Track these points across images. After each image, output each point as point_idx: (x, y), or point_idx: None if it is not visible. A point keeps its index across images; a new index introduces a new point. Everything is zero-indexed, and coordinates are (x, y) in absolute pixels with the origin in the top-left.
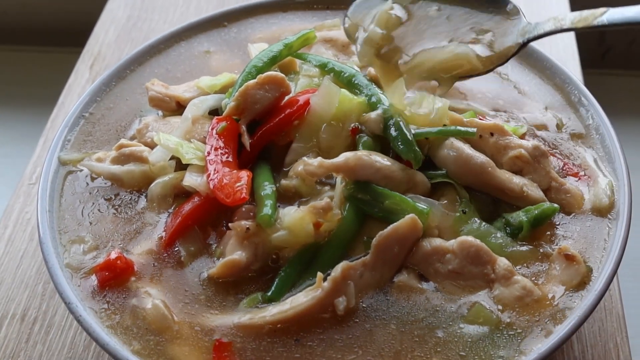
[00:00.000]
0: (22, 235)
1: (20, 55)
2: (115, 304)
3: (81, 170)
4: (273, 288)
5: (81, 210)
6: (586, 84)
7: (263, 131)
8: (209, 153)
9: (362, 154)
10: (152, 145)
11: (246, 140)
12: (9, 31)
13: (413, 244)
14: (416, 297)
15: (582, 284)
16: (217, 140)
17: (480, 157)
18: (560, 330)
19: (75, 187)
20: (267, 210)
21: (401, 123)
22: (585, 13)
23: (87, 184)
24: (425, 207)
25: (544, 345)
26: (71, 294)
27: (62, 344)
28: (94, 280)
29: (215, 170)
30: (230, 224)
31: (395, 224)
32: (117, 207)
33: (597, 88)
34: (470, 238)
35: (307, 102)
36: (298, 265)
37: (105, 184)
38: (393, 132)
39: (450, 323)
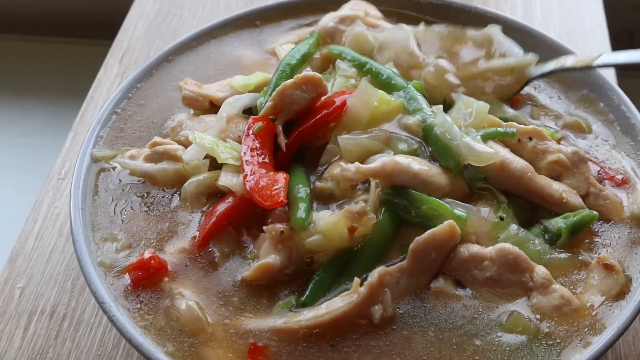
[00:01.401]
0: (52, 231)
1: (47, 46)
2: (148, 304)
3: (114, 168)
4: (307, 292)
5: (113, 208)
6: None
7: (299, 132)
8: (245, 153)
9: (399, 158)
10: (185, 144)
11: (282, 141)
12: (35, 22)
13: (450, 250)
14: (453, 304)
15: (621, 294)
16: (254, 140)
17: (520, 162)
18: (598, 342)
19: (108, 184)
20: (300, 213)
21: (441, 131)
22: (584, 56)
23: (120, 181)
24: (463, 213)
25: (582, 356)
26: (104, 293)
27: (91, 341)
28: (127, 279)
29: (252, 171)
30: (264, 227)
31: (433, 229)
32: (149, 205)
33: (628, 91)
34: (508, 245)
35: (343, 104)
36: (332, 270)
37: (138, 181)
38: (433, 137)
39: (489, 331)
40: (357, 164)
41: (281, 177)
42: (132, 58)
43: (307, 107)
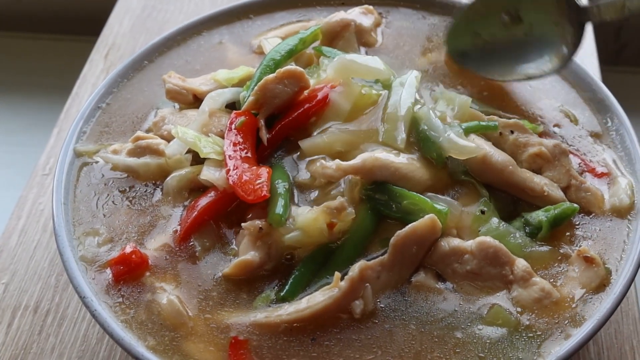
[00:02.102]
0: (36, 227)
1: (33, 43)
2: (129, 299)
3: (96, 162)
4: (287, 287)
5: (96, 202)
6: (603, 82)
7: (281, 126)
8: (227, 148)
9: (380, 154)
10: (168, 138)
11: (264, 135)
12: (23, 19)
13: (431, 244)
14: (434, 297)
15: (601, 286)
16: (236, 135)
17: (501, 155)
18: (578, 334)
19: (91, 179)
20: (278, 209)
21: (424, 123)
22: None
23: (103, 175)
24: (444, 207)
25: (562, 348)
26: (86, 287)
27: (74, 336)
28: (108, 274)
29: (234, 166)
30: (242, 224)
31: (414, 223)
32: (132, 199)
33: (613, 85)
34: (488, 239)
35: (325, 97)
36: (312, 265)
37: (121, 176)
38: (415, 128)
39: (469, 324)
40: (337, 161)
41: (264, 171)
42: (118, 54)
43: (289, 102)
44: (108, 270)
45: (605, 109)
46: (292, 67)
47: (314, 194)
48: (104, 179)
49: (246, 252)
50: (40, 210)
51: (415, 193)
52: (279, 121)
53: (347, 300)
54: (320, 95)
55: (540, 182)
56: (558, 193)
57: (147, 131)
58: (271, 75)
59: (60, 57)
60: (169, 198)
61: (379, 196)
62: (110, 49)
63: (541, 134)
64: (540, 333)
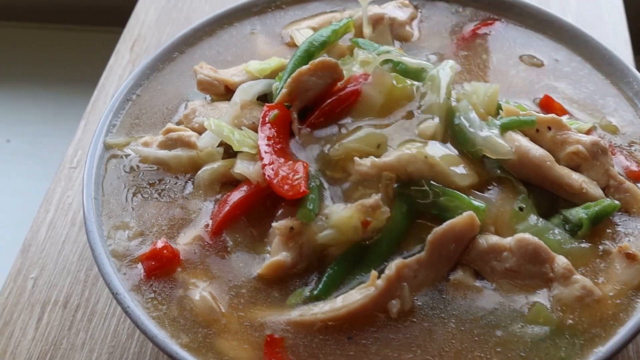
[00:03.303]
0: (64, 220)
1: (58, 34)
2: (161, 294)
3: (127, 155)
4: (321, 286)
5: (125, 195)
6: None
7: (313, 118)
8: (262, 142)
9: (415, 150)
10: (199, 130)
11: (296, 128)
12: (48, 10)
13: (469, 242)
14: (473, 295)
15: None
16: (270, 129)
17: (539, 150)
18: (621, 333)
19: (120, 171)
20: (308, 204)
21: (461, 117)
22: None
23: (132, 168)
24: (481, 204)
25: (604, 348)
26: (118, 284)
27: (105, 332)
28: (139, 269)
29: (270, 160)
30: (273, 224)
31: (452, 220)
32: (162, 192)
33: None
34: (528, 235)
35: (357, 90)
36: (346, 263)
37: (151, 168)
38: (452, 122)
39: (510, 322)
40: (372, 158)
41: (300, 166)
42: (144, 45)
43: (322, 94)
44: (139, 266)
45: None
46: (325, 58)
47: (345, 185)
48: (133, 172)
49: (278, 253)
50: (69, 204)
51: (452, 190)
52: (312, 113)
53: (384, 300)
54: (351, 87)
55: (579, 178)
56: (597, 191)
57: (178, 123)
58: (304, 67)
59: (86, 48)
60: (200, 192)
61: (415, 193)
62: (136, 40)
63: (590, 131)
64: (582, 332)
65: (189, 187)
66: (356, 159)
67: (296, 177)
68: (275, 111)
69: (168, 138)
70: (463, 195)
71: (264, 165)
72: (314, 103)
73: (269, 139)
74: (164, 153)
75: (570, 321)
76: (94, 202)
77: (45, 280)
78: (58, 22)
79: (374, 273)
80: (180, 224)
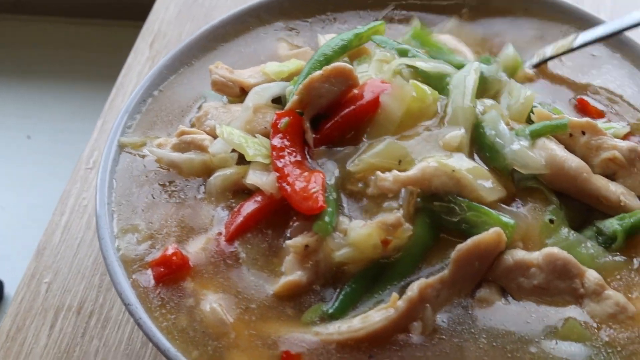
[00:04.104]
0: (79, 223)
1: (77, 29)
2: (170, 303)
3: (143, 156)
4: (337, 305)
5: (137, 197)
6: None
7: (327, 130)
8: (275, 153)
9: (439, 163)
10: (212, 134)
11: (310, 138)
12: (67, 4)
13: (495, 258)
14: (501, 310)
15: None
16: (282, 139)
17: (575, 161)
18: None
19: (133, 171)
20: (325, 217)
21: (489, 128)
22: (561, 42)
23: (145, 169)
24: (510, 220)
25: None
26: (131, 294)
27: (119, 339)
28: (149, 275)
29: (285, 173)
30: (287, 242)
31: (477, 236)
32: (174, 196)
33: None
34: (556, 249)
35: (377, 99)
36: (365, 281)
37: (164, 170)
38: (480, 134)
39: (543, 338)
40: (395, 172)
41: (318, 177)
42: (163, 42)
43: (336, 101)
44: (149, 272)
45: None
46: (339, 64)
47: (365, 199)
48: (146, 173)
49: (293, 272)
50: (84, 206)
51: (479, 205)
52: (326, 121)
53: (405, 322)
54: (369, 95)
55: (617, 191)
56: (636, 203)
57: (192, 125)
58: (317, 73)
59: (105, 44)
60: (212, 198)
61: (440, 208)
62: (155, 37)
63: (627, 136)
64: (617, 349)
65: (201, 192)
66: (378, 173)
67: (313, 190)
68: (286, 119)
69: (182, 141)
70: (491, 210)
71: (279, 178)
72: (327, 110)
73: (281, 149)
74: (176, 156)
75: (605, 338)
76: (107, 208)
77: (59, 285)
78: (78, 16)
79: (394, 295)
80: (191, 230)
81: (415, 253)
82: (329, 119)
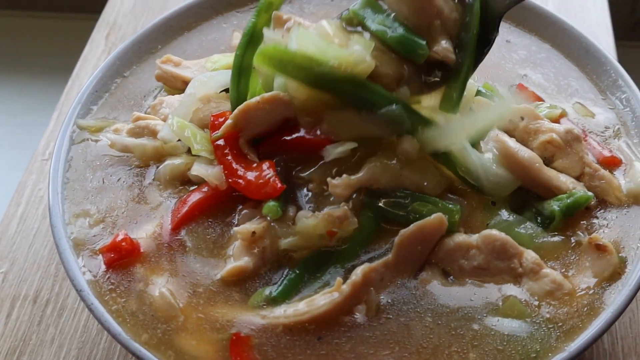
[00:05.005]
0: (35, 213)
1: (33, 21)
2: (120, 287)
3: (97, 141)
4: (280, 288)
5: (90, 182)
6: (618, 57)
7: (267, 148)
8: (218, 152)
9: (386, 161)
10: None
11: (253, 157)
12: None
13: (436, 242)
14: (445, 290)
15: (615, 275)
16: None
17: (527, 152)
18: (594, 326)
19: (87, 157)
20: (275, 200)
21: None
22: None
23: (100, 154)
24: (455, 205)
25: (577, 341)
26: (82, 281)
27: (74, 327)
28: (100, 260)
29: (234, 168)
30: (234, 229)
31: (420, 222)
32: (125, 181)
33: (628, 61)
34: (494, 231)
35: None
36: (310, 266)
37: (118, 156)
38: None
39: (485, 315)
40: (345, 177)
41: (266, 165)
42: (119, 34)
43: (273, 128)
44: (100, 257)
45: (620, 89)
46: (275, 93)
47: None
48: (100, 158)
49: (240, 258)
50: (40, 197)
51: (424, 195)
52: (265, 142)
53: (349, 305)
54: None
55: (567, 180)
56: (584, 191)
57: (147, 113)
58: (253, 100)
59: (61, 36)
60: (161, 186)
61: (386, 203)
62: (111, 29)
63: (560, 117)
64: (557, 325)
65: (151, 178)
66: (329, 179)
67: (268, 176)
68: (218, 132)
69: (136, 126)
70: (436, 198)
71: (227, 175)
72: (264, 135)
73: (224, 147)
74: (130, 140)
75: (545, 314)
76: (60, 197)
77: (15, 274)
78: (34, 9)
79: (339, 280)
80: (140, 216)
81: (360, 242)
82: (268, 139)
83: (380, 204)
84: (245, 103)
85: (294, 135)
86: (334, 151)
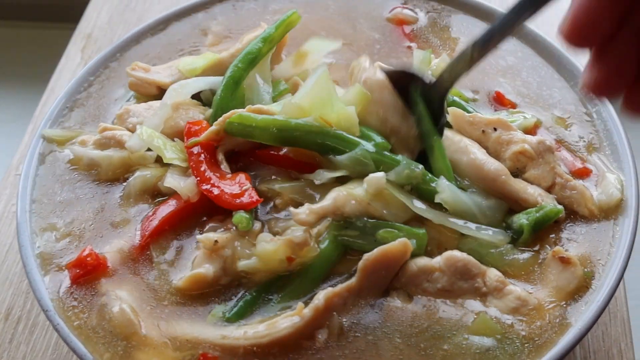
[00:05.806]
0: (8, 230)
1: (9, 31)
2: (82, 302)
3: (63, 152)
4: (235, 310)
5: (58, 196)
6: None
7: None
8: (192, 160)
9: (351, 190)
10: (134, 130)
11: (226, 169)
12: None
13: (400, 267)
14: (411, 312)
15: (582, 288)
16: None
17: (494, 164)
18: (563, 340)
19: (56, 170)
20: (244, 212)
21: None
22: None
23: (69, 166)
24: (420, 230)
25: (547, 356)
26: (48, 301)
27: (46, 344)
28: (66, 275)
29: (207, 177)
30: (197, 237)
31: (384, 246)
32: (93, 195)
33: None
34: (456, 252)
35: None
36: (266, 290)
37: (86, 168)
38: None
39: (455, 334)
40: (307, 205)
41: (242, 176)
42: (95, 46)
43: (254, 144)
44: (66, 272)
45: (593, 101)
46: (266, 108)
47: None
48: (68, 171)
49: (200, 266)
50: (13, 212)
51: (389, 222)
52: (245, 154)
53: (310, 330)
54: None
55: (534, 192)
56: (554, 204)
57: (114, 123)
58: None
59: (38, 46)
60: (130, 199)
61: (351, 233)
62: (87, 42)
63: (535, 128)
64: (525, 342)
65: (120, 191)
66: (291, 209)
67: (245, 187)
68: (194, 139)
69: (103, 137)
70: (401, 225)
71: (200, 182)
72: (241, 149)
73: (198, 155)
74: (96, 153)
75: (515, 330)
76: (29, 215)
77: None
78: (9, 18)
79: (300, 305)
80: (109, 231)
81: (321, 268)
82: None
83: (345, 236)
84: (231, 112)
85: (284, 151)
86: (326, 176)
